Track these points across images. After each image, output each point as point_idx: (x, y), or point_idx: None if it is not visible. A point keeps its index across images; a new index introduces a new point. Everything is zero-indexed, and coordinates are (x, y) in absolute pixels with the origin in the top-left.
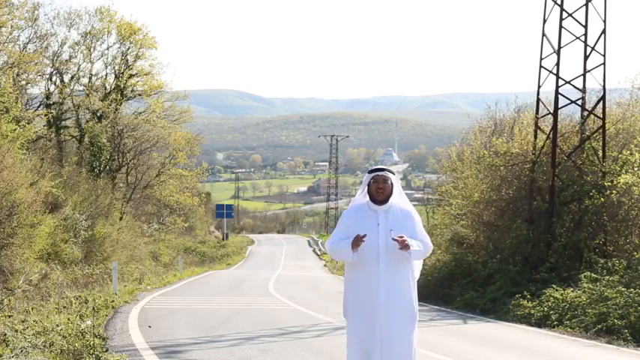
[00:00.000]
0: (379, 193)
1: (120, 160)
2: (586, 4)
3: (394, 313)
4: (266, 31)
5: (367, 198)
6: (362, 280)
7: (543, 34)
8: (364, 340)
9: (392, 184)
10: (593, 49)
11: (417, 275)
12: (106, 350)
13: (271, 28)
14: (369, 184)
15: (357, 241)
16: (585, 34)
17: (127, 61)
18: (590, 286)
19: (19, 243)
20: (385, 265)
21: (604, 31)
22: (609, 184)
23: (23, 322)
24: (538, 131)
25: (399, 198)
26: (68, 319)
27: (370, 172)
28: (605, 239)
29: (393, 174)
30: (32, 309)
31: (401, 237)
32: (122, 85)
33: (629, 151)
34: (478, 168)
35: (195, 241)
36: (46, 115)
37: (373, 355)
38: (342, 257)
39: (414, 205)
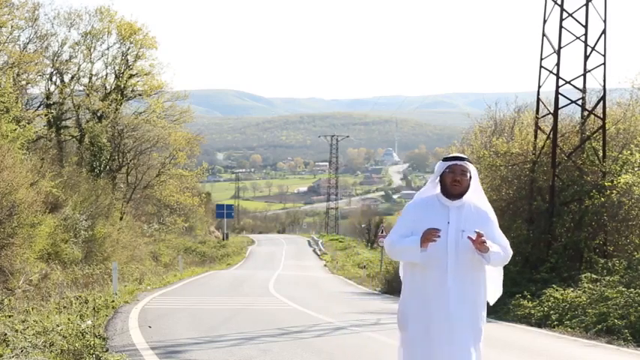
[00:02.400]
0: (455, 186)
1: (120, 160)
2: (586, 4)
3: (459, 329)
4: (266, 31)
5: (438, 189)
6: (426, 290)
7: (543, 34)
8: (426, 357)
9: (470, 177)
10: (593, 49)
11: (499, 294)
12: (106, 350)
13: (271, 28)
14: (442, 174)
15: (429, 237)
16: (585, 34)
17: (127, 61)
18: (590, 286)
19: (20, 243)
20: (454, 271)
21: (604, 31)
22: (609, 184)
23: (23, 322)
24: (538, 131)
25: (474, 194)
26: (68, 319)
27: (446, 159)
28: (605, 239)
29: (472, 163)
30: (32, 309)
31: (479, 234)
32: (122, 85)
33: (629, 151)
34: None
35: (196, 241)
36: (46, 115)
37: None
38: (407, 257)
39: None
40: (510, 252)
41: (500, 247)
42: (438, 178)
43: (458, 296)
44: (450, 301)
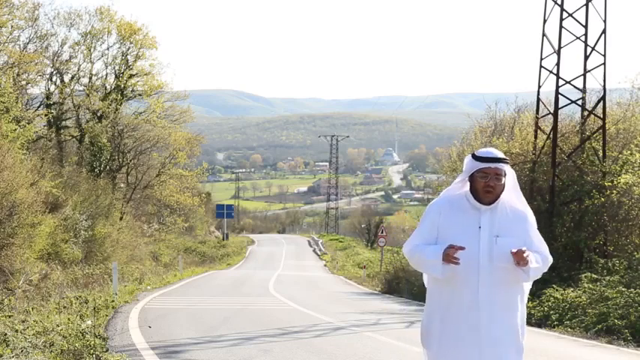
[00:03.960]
0: (488, 193)
1: (120, 160)
2: (586, 4)
3: (497, 351)
4: (266, 31)
5: (467, 188)
6: (454, 304)
7: (543, 34)
8: None
9: (505, 176)
10: (593, 49)
11: (526, 296)
12: (106, 350)
13: (271, 27)
14: (472, 176)
15: (452, 254)
16: (585, 34)
17: (127, 61)
18: (590, 286)
19: (20, 243)
20: (488, 284)
21: (604, 31)
22: (609, 184)
23: (23, 322)
24: (538, 131)
25: (510, 193)
26: (68, 319)
27: (478, 158)
28: (605, 239)
29: (509, 163)
30: (32, 309)
31: (521, 251)
32: (122, 85)
33: (629, 151)
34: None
35: (196, 241)
36: (46, 115)
37: None
38: (426, 270)
39: (414, 206)
40: (550, 259)
41: (540, 256)
42: (467, 177)
43: (492, 311)
44: (484, 316)
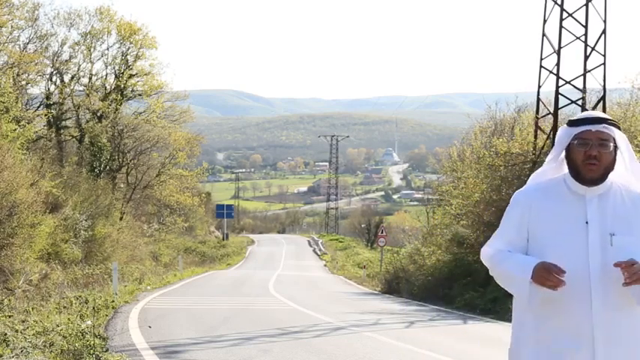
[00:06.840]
0: (590, 167)
1: (120, 160)
2: (586, 4)
3: None
4: (266, 31)
5: (565, 170)
6: (554, 333)
7: (543, 34)
8: None
9: (615, 147)
10: (593, 49)
11: None
12: (106, 350)
13: (271, 28)
14: (569, 147)
15: (548, 277)
16: (585, 34)
17: (127, 61)
18: None
19: (20, 243)
20: (604, 305)
21: (604, 31)
22: None
23: (23, 322)
24: (538, 131)
25: (625, 169)
26: (68, 319)
27: (573, 123)
28: None
29: (619, 128)
30: (32, 309)
31: (631, 265)
32: (122, 85)
33: None
34: (478, 168)
35: (196, 241)
36: (46, 115)
37: None
38: (510, 289)
39: (414, 206)
40: None
41: None
42: (564, 152)
43: (611, 338)
44: (599, 347)
